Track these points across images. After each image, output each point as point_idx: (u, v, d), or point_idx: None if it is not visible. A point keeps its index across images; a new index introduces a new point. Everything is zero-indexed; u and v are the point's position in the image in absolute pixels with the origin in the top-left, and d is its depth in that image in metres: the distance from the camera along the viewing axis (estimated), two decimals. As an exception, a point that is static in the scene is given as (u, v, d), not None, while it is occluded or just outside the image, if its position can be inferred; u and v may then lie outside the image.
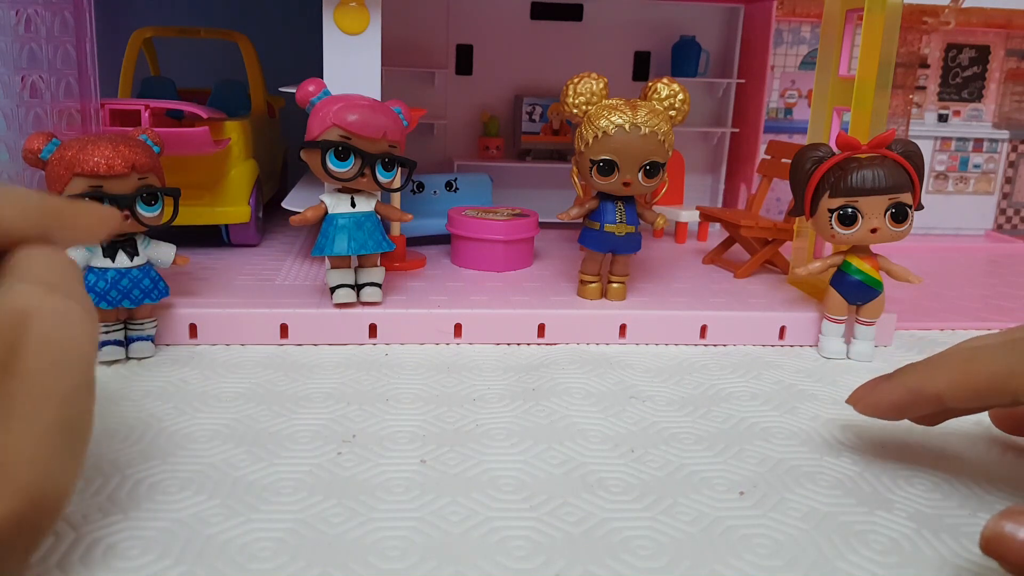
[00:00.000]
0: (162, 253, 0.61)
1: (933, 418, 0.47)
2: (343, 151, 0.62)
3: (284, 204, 0.77)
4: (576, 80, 0.67)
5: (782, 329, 0.70)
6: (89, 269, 0.58)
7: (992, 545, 0.33)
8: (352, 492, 0.43)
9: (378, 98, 0.67)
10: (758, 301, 0.74)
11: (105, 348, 0.59)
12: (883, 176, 0.62)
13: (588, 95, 0.67)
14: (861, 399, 0.48)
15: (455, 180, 0.97)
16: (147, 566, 0.36)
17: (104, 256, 0.58)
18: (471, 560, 0.37)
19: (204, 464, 0.45)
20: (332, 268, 0.66)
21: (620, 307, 0.70)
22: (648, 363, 0.65)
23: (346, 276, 0.66)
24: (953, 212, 1.24)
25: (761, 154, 1.02)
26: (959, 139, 1.22)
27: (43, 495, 0.31)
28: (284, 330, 0.65)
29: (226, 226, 0.87)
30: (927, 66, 1.20)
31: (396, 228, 0.82)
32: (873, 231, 0.63)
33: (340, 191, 0.65)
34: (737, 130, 1.12)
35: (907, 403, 0.45)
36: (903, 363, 0.66)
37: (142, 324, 0.61)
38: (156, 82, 1.01)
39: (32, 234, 0.34)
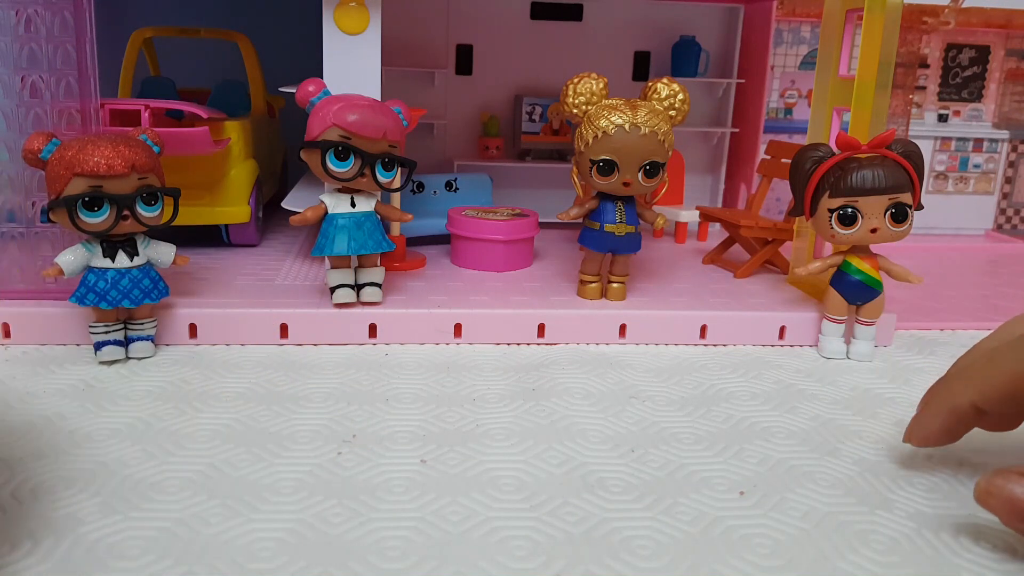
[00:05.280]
0: (162, 253, 0.61)
1: (999, 422, 0.46)
2: (343, 151, 0.62)
3: (284, 204, 0.78)
4: (576, 80, 0.67)
5: (782, 329, 0.70)
6: (89, 269, 0.58)
7: (983, 497, 0.38)
8: (352, 492, 0.43)
9: (378, 98, 0.67)
10: (758, 301, 0.74)
11: (105, 348, 0.59)
12: (883, 176, 0.62)
13: (588, 95, 0.67)
14: (913, 435, 0.47)
15: (455, 180, 0.97)
16: (148, 566, 0.36)
17: (104, 256, 0.58)
18: (471, 560, 0.37)
19: (204, 464, 0.45)
20: (332, 268, 0.66)
21: (620, 307, 0.70)
22: (648, 363, 0.65)
23: (346, 276, 0.66)
24: (953, 212, 1.24)
25: (761, 154, 1.02)
26: (959, 139, 1.22)
27: None
28: (284, 330, 0.65)
29: (226, 226, 0.87)
30: (927, 66, 1.20)
31: (396, 228, 0.82)
32: (873, 231, 0.63)
33: (340, 191, 0.65)
34: (737, 130, 1.12)
35: (953, 423, 0.45)
36: (902, 363, 0.67)
37: (142, 324, 0.61)
38: (156, 82, 1.01)
39: None
